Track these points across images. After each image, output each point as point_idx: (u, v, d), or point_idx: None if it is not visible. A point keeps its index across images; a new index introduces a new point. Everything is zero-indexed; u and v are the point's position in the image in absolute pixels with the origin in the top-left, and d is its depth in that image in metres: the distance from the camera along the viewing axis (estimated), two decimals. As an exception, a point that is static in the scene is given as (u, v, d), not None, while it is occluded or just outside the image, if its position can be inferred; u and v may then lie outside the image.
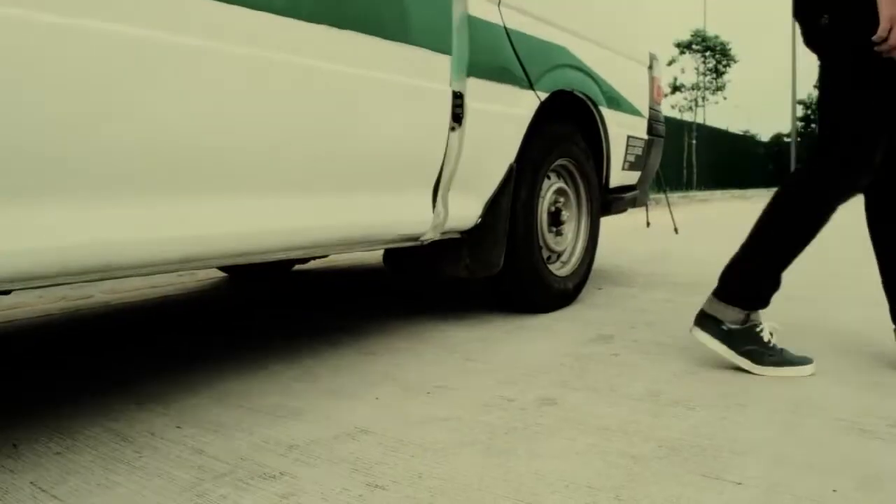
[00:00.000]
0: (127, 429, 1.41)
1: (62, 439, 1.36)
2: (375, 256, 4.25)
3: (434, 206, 1.98)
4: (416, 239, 2.00)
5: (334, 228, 1.69)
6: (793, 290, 3.04)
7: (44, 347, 2.18)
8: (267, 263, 3.34)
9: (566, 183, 2.65)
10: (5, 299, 2.89)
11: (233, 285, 3.35)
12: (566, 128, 2.56)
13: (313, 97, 1.54)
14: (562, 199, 2.59)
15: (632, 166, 3.05)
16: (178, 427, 1.42)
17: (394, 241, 1.92)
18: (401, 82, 1.76)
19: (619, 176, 2.95)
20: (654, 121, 3.21)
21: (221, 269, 3.49)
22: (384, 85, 1.71)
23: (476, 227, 2.16)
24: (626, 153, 2.96)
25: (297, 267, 3.84)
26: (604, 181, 2.84)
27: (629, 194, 3.12)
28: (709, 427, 1.38)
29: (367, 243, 1.84)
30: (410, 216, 1.91)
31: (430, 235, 1.97)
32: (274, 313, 2.66)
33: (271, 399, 1.58)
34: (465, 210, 2.07)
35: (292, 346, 2.05)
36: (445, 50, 1.90)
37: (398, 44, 1.73)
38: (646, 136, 3.13)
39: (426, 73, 1.84)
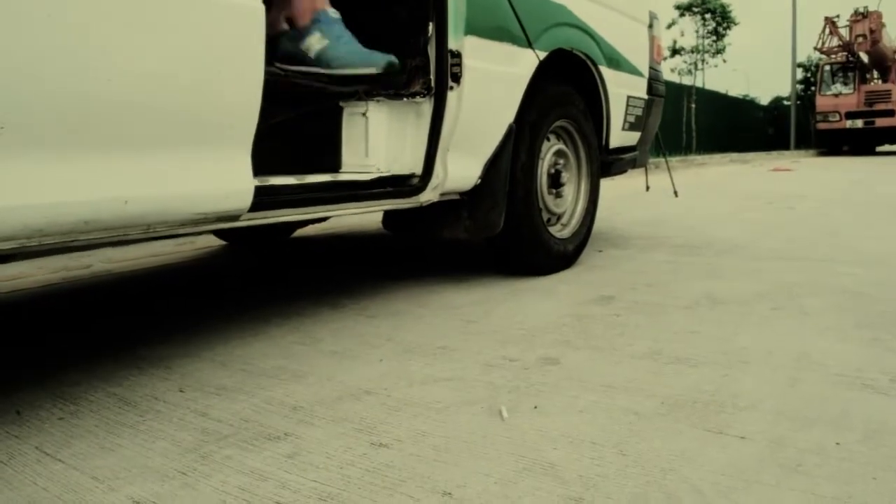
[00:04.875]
0: (130, 393, 1.41)
1: (65, 405, 1.36)
2: (375, 222, 4.24)
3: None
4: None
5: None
6: (792, 251, 3.04)
7: (45, 317, 2.18)
8: (266, 229, 3.33)
9: (566, 144, 2.63)
10: (6, 270, 2.88)
11: (232, 252, 3.34)
12: (565, 88, 2.53)
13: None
14: (561, 161, 2.57)
15: (632, 127, 3.02)
16: (181, 391, 1.42)
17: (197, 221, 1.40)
18: None
19: (619, 137, 2.93)
20: (654, 80, 3.17)
21: (219, 236, 3.48)
22: None
23: (475, 189, 2.14)
24: (626, 113, 2.93)
25: (297, 233, 3.83)
26: (603, 142, 2.82)
27: (629, 155, 3.09)
28: (711, 384, 1.38)
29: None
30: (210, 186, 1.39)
31: (430, 196, 1.95)
32: (274, 279, 2.65)
33: (273, 362, 1.58)
34: (464, 171, 2.05)
35: (293, 310, 2.05)
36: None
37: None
38: (646, 96, 3.10)
39: None
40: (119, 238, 1.33)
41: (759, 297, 2.11)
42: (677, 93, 18.38)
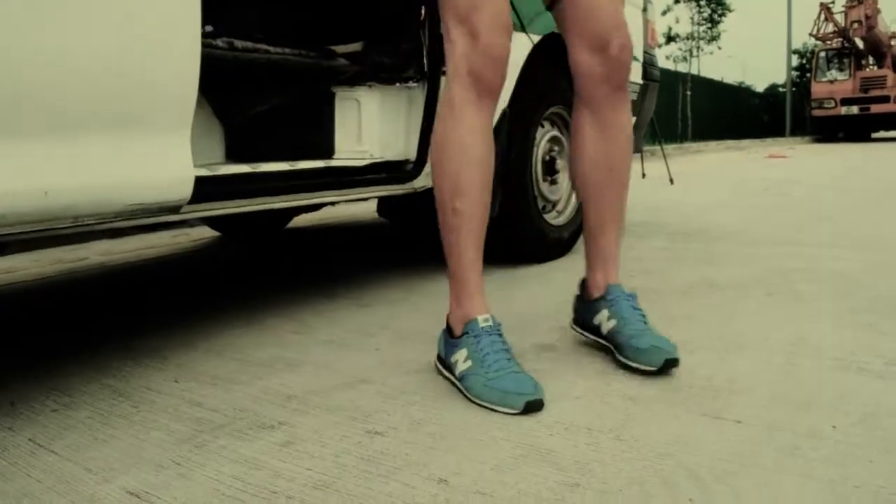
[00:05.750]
0: (124, 384, 1.41)
1: (59, 397, 1.35)
2: (371, 212, 4.23)
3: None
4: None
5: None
6: (788, 237, 3.04)
7: (39, 309, 2.17)
8: (260, 221, 3.32)
9: (560, 131, 2.62)
10: (1, 263, 2.87)
11: (227, 244, 3.33)
12: (559, 73, 2.51)
13: None
14: (556, 148, 2.56)
15: (626, 113, 3.00)
16: (175, 381, 1.41)
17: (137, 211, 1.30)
18: None
19: (614, 123, 2.91)
20: (648, 65, 3.15)
21: (213, 227, 3.47)
22: None
23: (470, 176, 2.13)
24: (621, 99, 2.90)
25: (294, 223, 3.81)
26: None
27: (624, 142, 3.07)
28: (707, 369, 1.38)
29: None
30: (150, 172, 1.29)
31: (424, 182, 1.94)
32: (268, 269, 2.64)
33: (268, 351, 1.58)
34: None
35: (288, 300, 2.04)
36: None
37: None
38: (640, 81, 3.08)
39: None
40: (46, 231, 1.22)
41: (755, 283, 2.11)
42: (673, 80, 18.36)
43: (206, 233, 3.64)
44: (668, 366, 1.31)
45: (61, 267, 2.86)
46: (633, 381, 1.32)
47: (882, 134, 21.19)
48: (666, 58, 28.04)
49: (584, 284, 1.55)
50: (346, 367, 1.45)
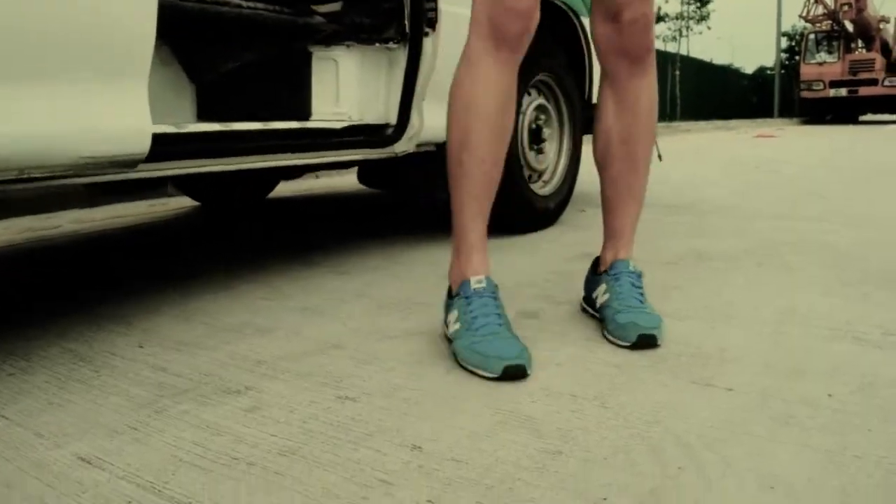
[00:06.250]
0: (86, 349, 1.33)
1: (16, 361, 1.28)
2: (354, 185, 4.15)
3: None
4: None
5: None
6: (778, 211, 3.00)
7: (3, 275, 2.09)
8: (240, 191, 3.24)
9: (547, 100, 2.54)
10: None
11: (205, 214, 3.24)
12: (546, 40, 2.44)
13: None
14: (543, 117, 2.49)
15: (616, 83, 2.93)
16: (140, 346, 1.34)
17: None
18: None
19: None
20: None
21: (193, 197, 3.37)
22: None
23: (454, 141, 2.05)
24: (610, 69, 2.83)
25: (275, 192, 3.73)
26: (586, 97, 2.73)
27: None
28: (696, 337, 1.32)
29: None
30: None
31: (405, 147, 1.87)
32: (245, 238, 2.56)
33: (239, 317, 1.51)
34: (440, 120, 1.95)
35: (263, 267, 1.97)
36: None
37: None
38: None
39: None
40: None
41: (744, 254, 2.06)
42: (662, 60, 18.26)
43: (184, 203, 3.55)
44: (643, 342, 1.25)
45: (31, 235, 2.76)
46: (618, 350, 1.26)
47: (869, 117, 21.23)
48: (655, 37, 27.96)
49: (596, 260, 1.51)
50: (319, 334, 1.39)
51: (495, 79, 1.28)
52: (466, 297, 1.25)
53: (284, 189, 3.92)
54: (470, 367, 1.16)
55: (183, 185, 3.03)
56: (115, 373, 1.21)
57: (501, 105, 1.29)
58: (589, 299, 1.47)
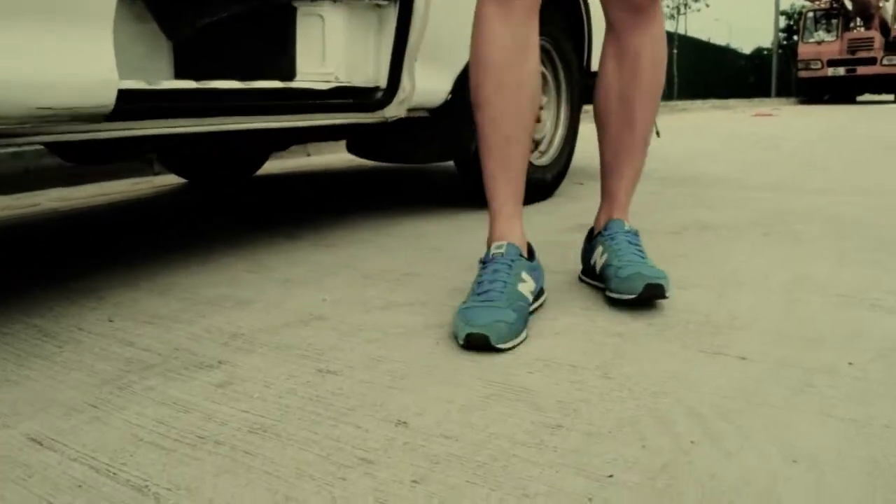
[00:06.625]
0: (52, 324, 1.25)
1: (-25, 338, 1.19)
2: (345, 161, 4.04)
3: None
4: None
5: None
6: (782, 183, 2.91)
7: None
8: (228, 166, 3.14)
9: (544, 66, 2.44)
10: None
11: (191, 191, 3.15)
12: (543, 2, 2.34)
13: None
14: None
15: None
16: (110, 321, 1.25)
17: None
18: None
19: (602, 60, 2.74)
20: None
21: (180, 174, 3.27)
22: None
23: (446, 105, 1.96)
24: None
25: (264, 169, 3.63)
26: (585, 64, 2.63)
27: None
28: (704, 305, 1.24)
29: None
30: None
31: (395, 112, 1.77)
32: (230, 213, 2.47)
33: (218, 290, 1.42)
34: (433, 84, 1.87)
35: (246, 240, 1.88)
36: None
37: None
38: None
39: None
40: None
41: (750, 224, 1.97)
42: (659, 39, 18.04)
43: (169, 180, 3.45)
44: (650, 293, 1.16)
45: (9, 213, 2.67)
46: (621, 317, 1.18)
47: (867, 97, 21.07)
48: None
49: (591, 231, 1.44)
50: (301, 306, 1.30)
51: (499, 32, 1.21)
52: (485, 264, 1.20)
53: (273, 167, 3.83)
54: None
55: (168, 161, 2.93)
56: (79, 348, 1.12)
57: (507, 59, 1.21)
58: (587, 269, 1.38)
